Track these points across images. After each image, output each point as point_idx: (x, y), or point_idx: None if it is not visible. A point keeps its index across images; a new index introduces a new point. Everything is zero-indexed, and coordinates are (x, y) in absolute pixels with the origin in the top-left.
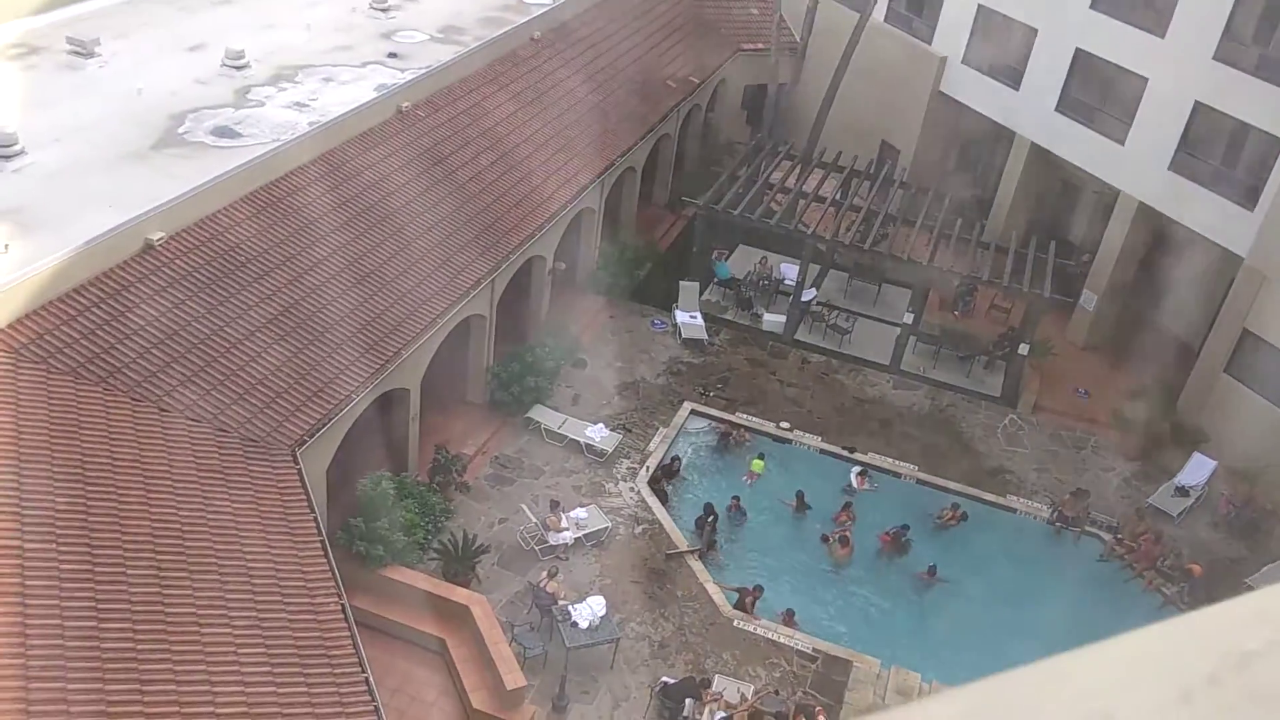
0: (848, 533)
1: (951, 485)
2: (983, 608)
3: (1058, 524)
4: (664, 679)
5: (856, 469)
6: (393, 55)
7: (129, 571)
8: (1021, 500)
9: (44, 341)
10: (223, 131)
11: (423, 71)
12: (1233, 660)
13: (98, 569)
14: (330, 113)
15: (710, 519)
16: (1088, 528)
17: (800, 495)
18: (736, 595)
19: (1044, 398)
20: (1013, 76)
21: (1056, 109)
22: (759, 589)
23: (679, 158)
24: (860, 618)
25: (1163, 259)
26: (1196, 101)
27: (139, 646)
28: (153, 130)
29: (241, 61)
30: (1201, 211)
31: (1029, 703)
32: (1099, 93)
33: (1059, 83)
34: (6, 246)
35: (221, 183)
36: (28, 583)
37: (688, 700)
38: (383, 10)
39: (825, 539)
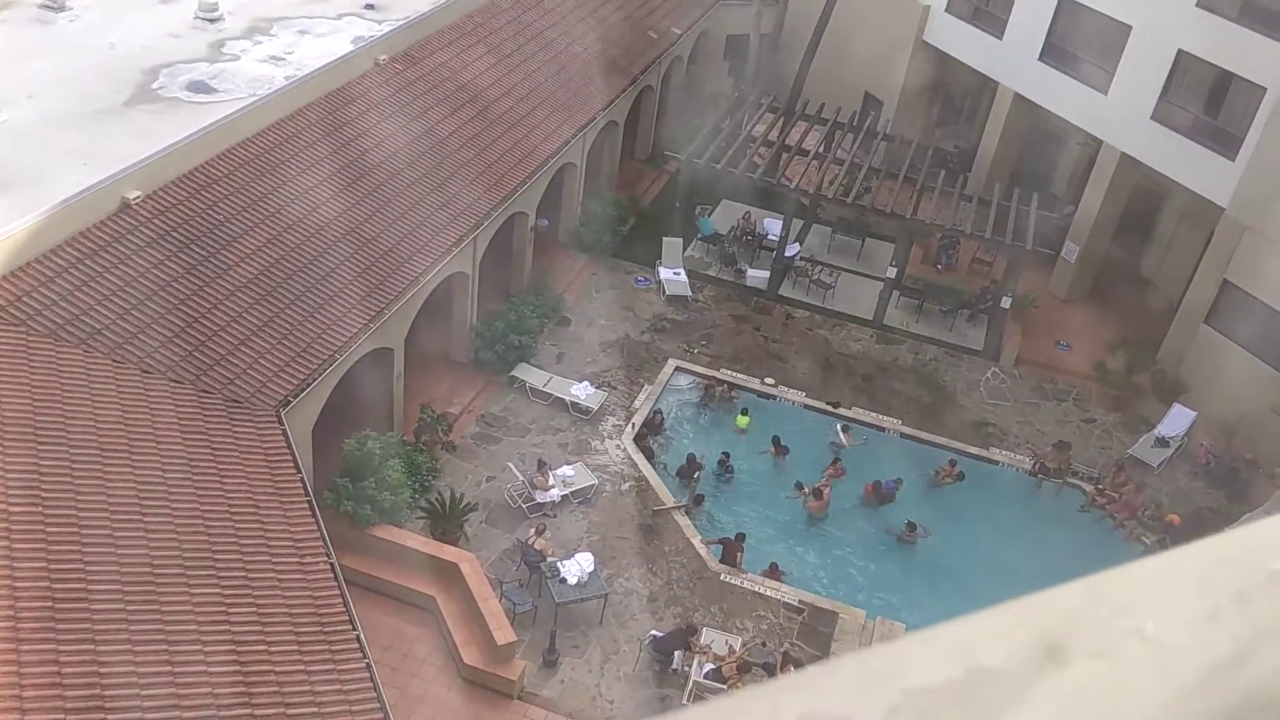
0: (824, 486)
1: (936, 439)
2: (966, 559)
3: (1040, 476)
4: (653, 632)
5: (840, 424)
6: (369, 7)
7: (116, 534)
8: (1004, 453)
9: (22, 304)
10: (197, 86)
11: (400, 23)
12: (1260, 579)
13: (84, 531)
14: (306, 66)
15: (695, 474)
16: (1069, 479)
17: (776, 440)
18: (721, 548)
19: (1026, 350)
20: (996, 25)
21: (1040, 58)
22: (741, 536)
23: (661, 111)
24: (844, 569)
25: (1145, 209)
26: (1179, 50)
27: (129, 607)
28: (126, 86)
29: (215, 14)
30: (1183, 162)
31: (1063, 620)
32: (1082, 41)
33: (1042, 31)
34: None
35: (197, 139)
36: (15, 546)
37: (676, 652)
38: None
39: (799, 486)
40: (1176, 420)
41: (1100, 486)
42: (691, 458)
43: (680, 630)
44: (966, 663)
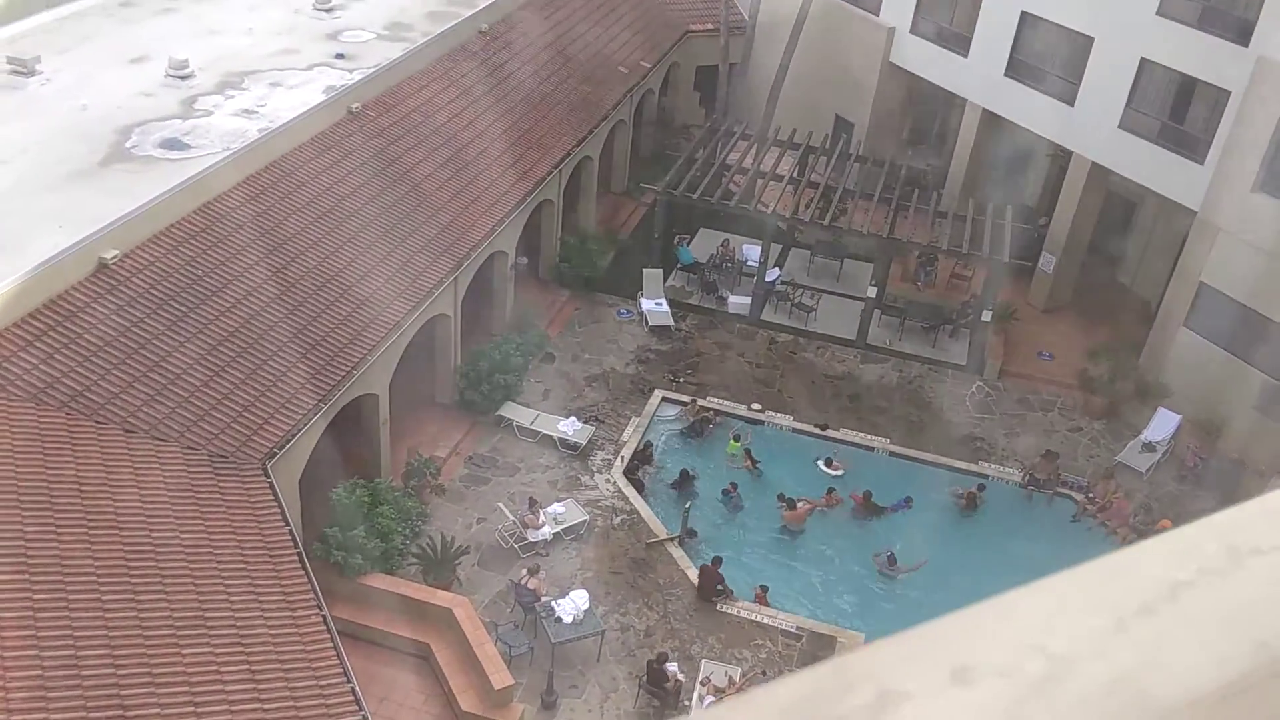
0: (801, 500)
1: (925, 456)
2: (959, 575)
3: (1030, 487)
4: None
5: (823, 458)
6: (340, 56)
7: (104, 597)
8: (993, 466)
9: (2, 369)
10: (171, 144)
11: (371, 71)
12: (1165, 590)
13: (71, 596)
14: (280, 118)
15: (687, 504)
16: (1059, 489)
17: (748, 452)
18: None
19: (1009, 362)
20: (961, 44)
21: (1005, 74)
22: (718, 561)
23: (635, 144)
24: (836, 590)
25: (1118, 217)
26: (1142, 58)
27: (120, 671)
28: (100, 146)
29: (186, 71)
30: (1153, 168)
31: (971, 639)
32: (1046, 55)
33: (1006, 47)
34: None
35: (173, 196)
36: (2, 614)
37: (668, 668)
38: (326, 10)
39: (781, 498)
40: (1162, 425)
41: (1090, 495)
42: (685, 473)
43: (653, 667)
44: (878, 687)
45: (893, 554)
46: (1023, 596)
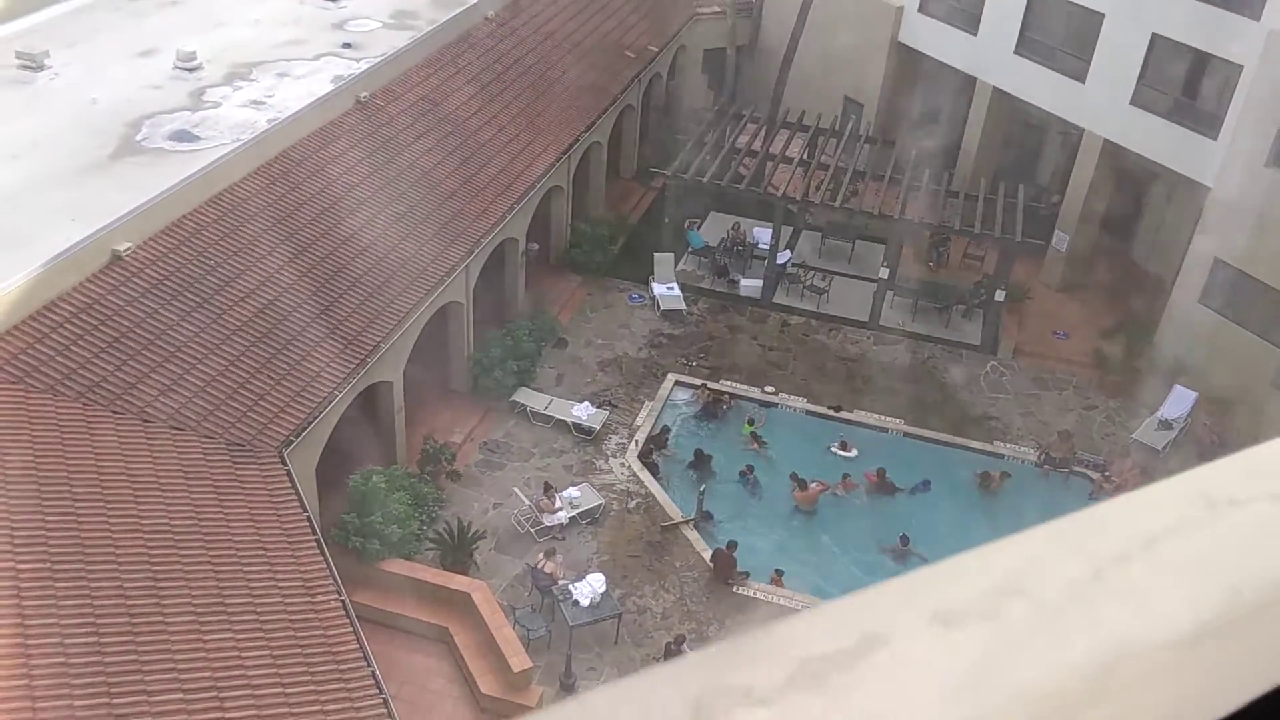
0: (814, 482)
1: (940, 436)
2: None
3: (1046, 466)
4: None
5: (835, 441)
6: (347, 45)
7: (125, 585)
8: (1008, 445)
9: (19, 361)
10: (181, 136)
11: (378, 59)
12: (1140, 541)
13: (93, 584)
14: (288, 108)
15: (701, 489)
16: (1075, 468)
17: (754, 435)
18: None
19: (1023, 342)
20: (970, 21)
21: (1015, 51)
22: (732, 545)
23: (644, 128)
24: (851, 571)
25: (1131, 194)
26: (1154, 33)
27: (142, 658)
28: (110, 139)
29: (194, 63)
30: (1165, 144)
31: (952, 586)
32: (1056, 32)
33: (1016, 25)
34: None
35: (184, 188)
36: (24, 603)
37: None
38: (332, 1)
39: (794, 477)
40: (1178, 402)
41: (1106, 473)
42: (699, 453)
43: (671, 649)
44: (860, 632)
45: (905, 535)
46: (1004, 547)
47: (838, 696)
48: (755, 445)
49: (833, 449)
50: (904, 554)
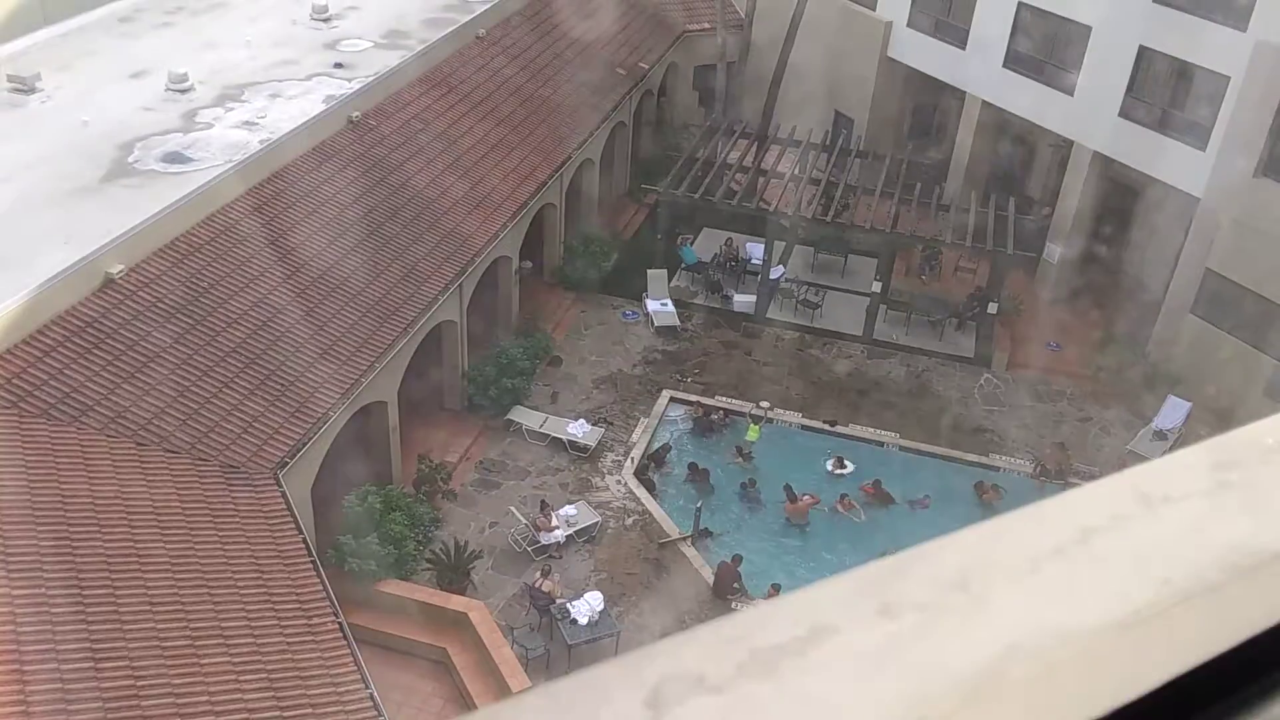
0: (806, 496)
1: (936, 450)
2: None
3: (1041, 478)
4: None
5: (830, 459)
6: (338, 65)
7: (121, 609)
8: (1004, 458)
9: (13, 385)
10: (173, 157)
11: (370, 79)
12: (1077, 534)
13: (90, 609)
14: (280, 129)
15: (698, 505)
16: (1071, 479)
17: (739, 448)
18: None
19: (1017, 354)
20: (958, 36)
21: (1004, 65)
22: (737, 559)
23: (635, 145)
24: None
25: (1121, 206)
26: (1141, 45)
27: (139, 683)
28: (102, 162)
29: (185, 84)
30: (1154, 156)
31: (897, 581)
32: (1044, 45)
33: (1004, 39)
34: None
35: (177, 209)
36: (20, 629)
37: None
38: (324, 20)
39: (786, 489)
40: (1172, 412)
41: None
42: (694, 466)
43: None
44: (809, 623)
45: (926, 496)
46: (947, 543)
47: (787, 683)
48: (739, 460)
49: (827, 466)
50: (920, 508)
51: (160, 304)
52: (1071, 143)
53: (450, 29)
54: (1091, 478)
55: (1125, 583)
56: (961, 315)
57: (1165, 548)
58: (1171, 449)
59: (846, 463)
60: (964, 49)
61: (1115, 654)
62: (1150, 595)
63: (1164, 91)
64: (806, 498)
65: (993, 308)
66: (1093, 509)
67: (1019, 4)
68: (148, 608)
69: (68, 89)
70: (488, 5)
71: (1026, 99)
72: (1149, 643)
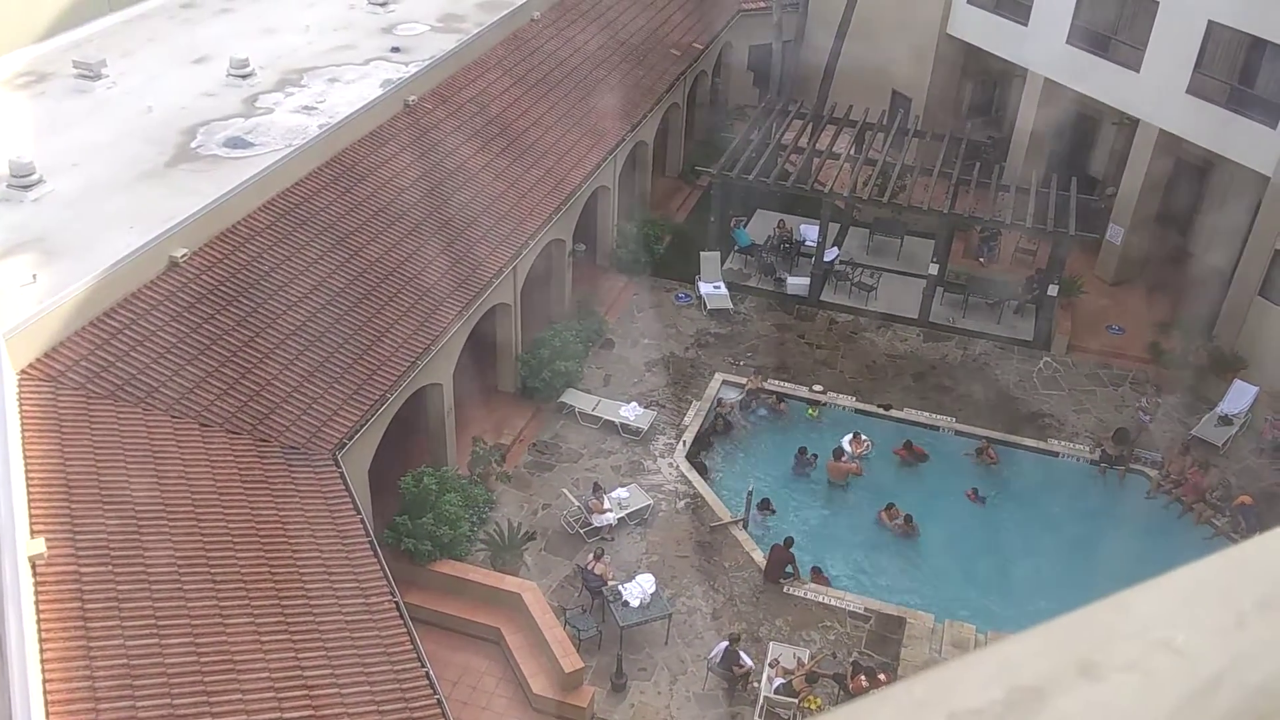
0: (855, 463)
1: (992, 435)
2: (1033, 555)
3: (1102, 464)
4: (721, 644)
5: (848, 436)
6: (395, 49)
7: (185, 588)
8: (1063, 443)
9: (81, 367)
10: (235, 142)
11: (426, 63)
12: None
13: (154, 587)
14: (339, 113)
15: (750, 488)
16: (1132, 465)
17: (802, 450)
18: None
19: (1077, 337)
20: (1020, 12)
21: (1067, 41)
22: (790, 542)
23: (689, 126)
24: (906, 568)
25: (1188, 185)
26: (1209, 20)
27: (202, 660)
28: (166, 147)
29: (246, 70)
30: (1223, 134)
31: (1097, 637)
32: (1109, 20)
33: (1068, 14)
34: (35, 276)
35: (238, 194)
36: (87, 606)
37: (743, 655)
38: (381, 5)
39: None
40: (1238, 397)
41: (1165, 470)
42: (766, 501)
43: (728, 649)
44: (1007, 684)
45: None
46: (1140, 593)
47: None
48: (795, 466)
49: (843, 443)
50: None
51: (222, 287)
52: (1136, 121)
53: (505, 12)
54: (1154, 464)
55: None
56: (1021, 298)
57: None
58: (1237, 434)
59: (863, 439)
60: (1026, 25)
61: None
62: None
63: (1233, 67)
64: (850, 463)
65: (1053, 290)
66: None
67: None
68: (210, 584)
69: (132, 75)
70: None
71: (1090, 76)
72: None
